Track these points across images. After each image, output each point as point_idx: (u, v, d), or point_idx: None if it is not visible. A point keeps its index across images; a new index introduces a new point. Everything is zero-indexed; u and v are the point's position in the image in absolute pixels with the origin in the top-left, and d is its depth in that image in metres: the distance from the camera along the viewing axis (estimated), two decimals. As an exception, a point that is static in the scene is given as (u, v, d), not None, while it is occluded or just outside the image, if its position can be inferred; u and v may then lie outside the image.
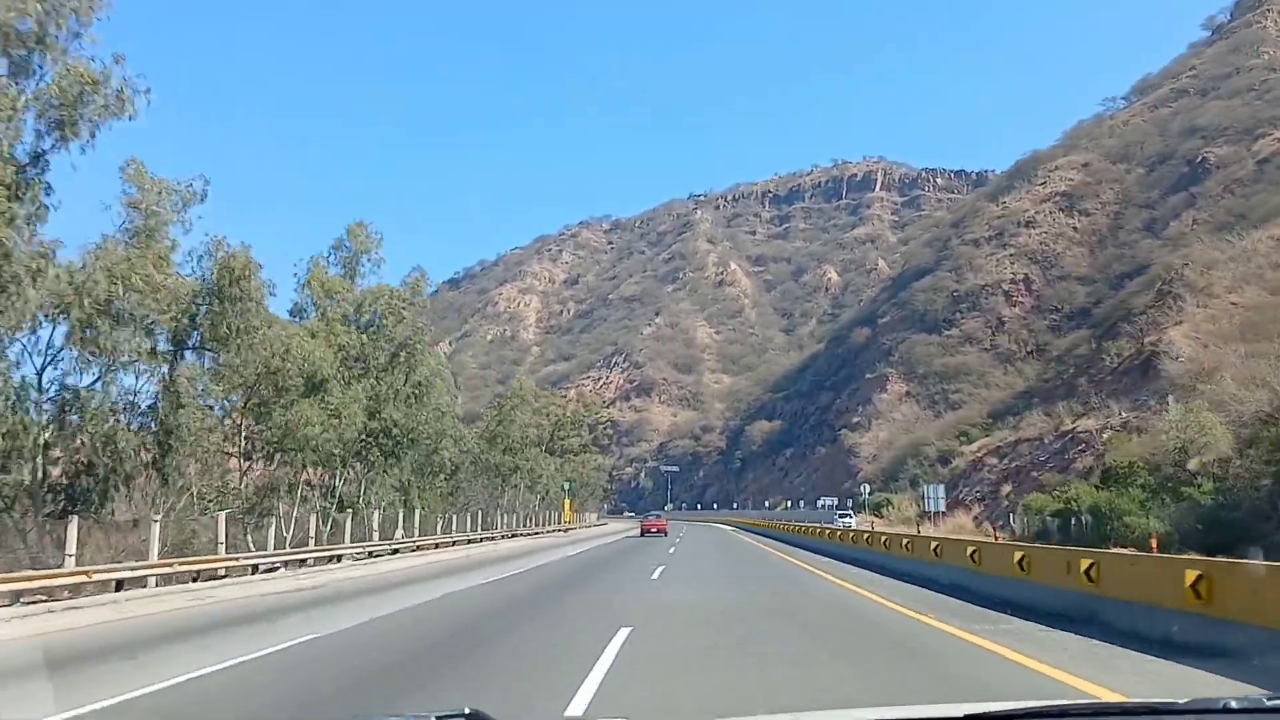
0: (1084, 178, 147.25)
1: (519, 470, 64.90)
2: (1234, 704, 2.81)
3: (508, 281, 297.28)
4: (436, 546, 38.59)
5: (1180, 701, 2.99)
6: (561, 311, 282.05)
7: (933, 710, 3.08)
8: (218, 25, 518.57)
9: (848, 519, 69.47)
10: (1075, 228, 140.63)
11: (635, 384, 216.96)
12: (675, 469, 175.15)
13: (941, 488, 63.05)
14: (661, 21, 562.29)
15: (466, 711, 2.62)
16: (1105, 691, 8.30)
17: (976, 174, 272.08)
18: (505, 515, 56.95)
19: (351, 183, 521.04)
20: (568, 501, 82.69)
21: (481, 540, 46.31)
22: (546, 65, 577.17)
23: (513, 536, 53.52)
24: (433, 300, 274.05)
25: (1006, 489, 68.85)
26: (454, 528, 44.74)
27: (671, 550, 38.05)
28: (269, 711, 8.42)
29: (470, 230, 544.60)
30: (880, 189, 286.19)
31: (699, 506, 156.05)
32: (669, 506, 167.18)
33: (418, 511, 39.47)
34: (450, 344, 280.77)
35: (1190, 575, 10.86)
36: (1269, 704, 2.85)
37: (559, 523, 77.67)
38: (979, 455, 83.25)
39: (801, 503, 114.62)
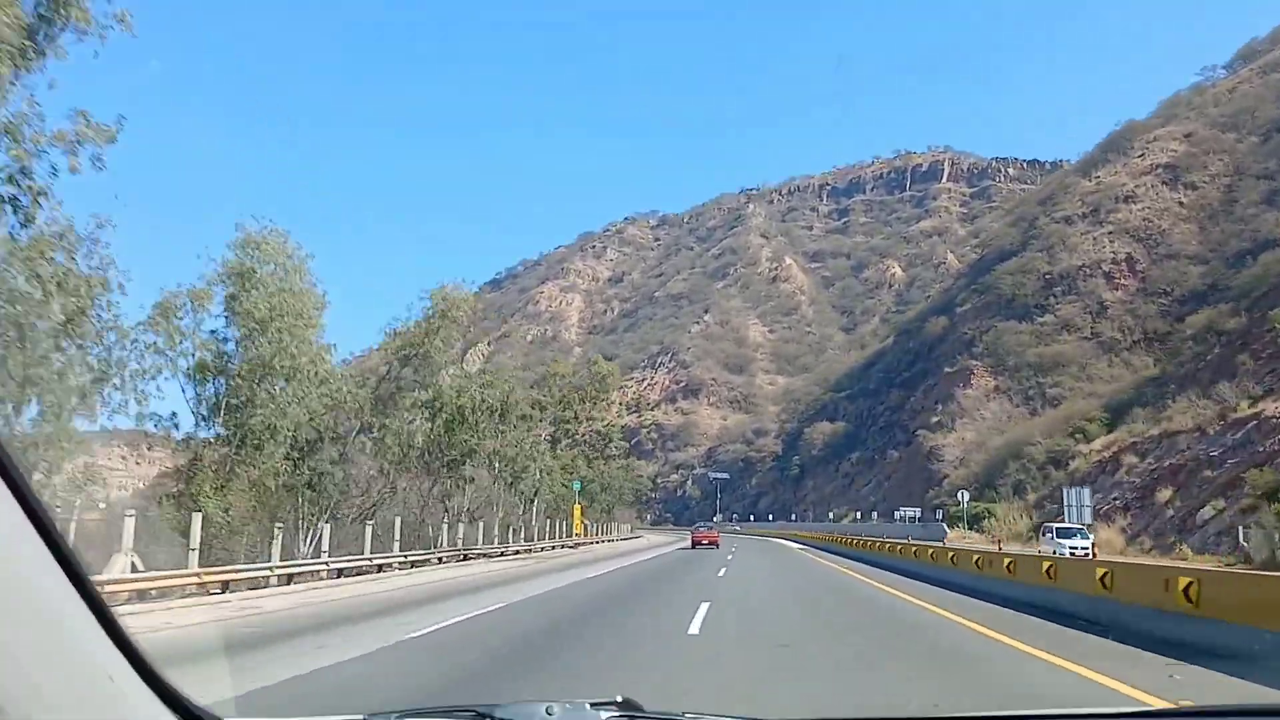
0: (1188, 149, 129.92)
1: (474, 455, 45.50)
2: None
3: (549, 280, 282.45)
4: (214, 587, 19.85)
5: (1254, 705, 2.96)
6: (605, 310, 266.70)
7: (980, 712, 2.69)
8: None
9: (1078, 542, 39.08)
10: (1181, 202, 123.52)
11: (682, 385, 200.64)
12: (725, 476, 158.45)
13: (1086, 491, 46.17)
14: (713, 10, 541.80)
15: (620, 699, 2.68)
16: None
17: (1051, 164, 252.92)
18: (460, 525, 39.20)
19: (395, 185, 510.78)
20: (578, 508, 65.60)
21: (379, 567, 28.75)
22: (591, 61, 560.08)
23: (464, 559, 36.41)
24: (475, 298, 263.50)
25: (1166, 494, 51.66)
26: (324, 543, 26.68)
27: (701, 613, 16.74)
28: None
29: (513, 231, 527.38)
30: (947, 180, 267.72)
31: (751, 518, 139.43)
32: (718, 517, 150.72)
33: (199, 517, 20.16)
34: (488, 344, 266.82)
35: None
36: None
37: (566, 535, 61.14)
38: (1110, 454, 65.90)
39: (875, 514, 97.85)
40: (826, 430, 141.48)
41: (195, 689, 2.28)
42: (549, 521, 59.23)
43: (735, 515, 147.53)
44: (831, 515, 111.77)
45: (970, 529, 68.60)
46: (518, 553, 45.37)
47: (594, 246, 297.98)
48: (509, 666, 11.40)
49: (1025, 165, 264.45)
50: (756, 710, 7.74)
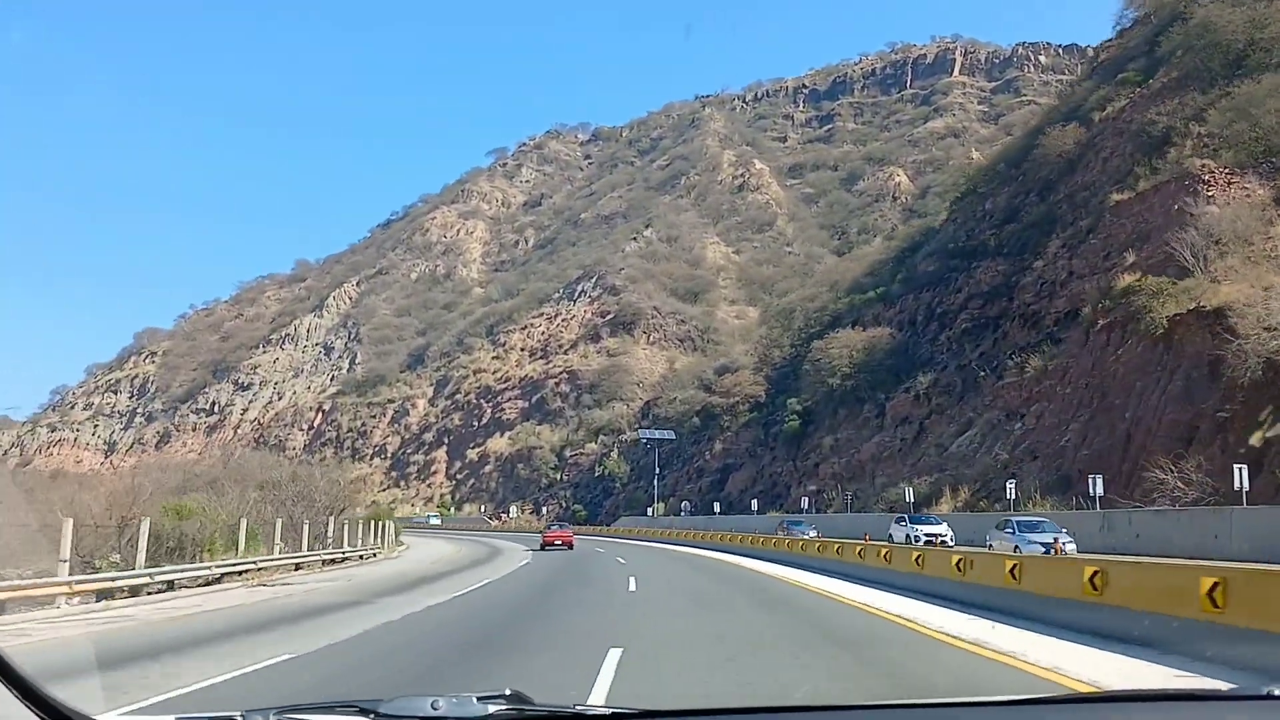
0: None
1: None
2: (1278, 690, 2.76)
3: (445, 205, 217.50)
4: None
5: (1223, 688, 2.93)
6: (517, 241, 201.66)
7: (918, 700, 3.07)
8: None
9: None
10: None
11: (610, 316, 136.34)
12: (669, 436, 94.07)
13: None
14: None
15: (507, 692, 2.69)
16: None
17: (1094, 48, 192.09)
18: None
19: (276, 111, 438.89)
20: None
21: None
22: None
23: None
24: (363, 246, 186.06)
25: None
26: None
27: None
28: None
29: (419, 166, 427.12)
30: (960, 73, 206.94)
31: (716, 507, 75.15)
32: (656, 508, 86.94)
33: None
34: (358, 284, 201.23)
35: None
36: None
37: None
38: None
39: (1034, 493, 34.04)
40: (855, 342, 76.25)
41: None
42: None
43: (689, 505, 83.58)
44: (907, 492, 47.98)
45: None
46: None
47: (505, 166, 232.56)
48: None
49: (1059, 51, 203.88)
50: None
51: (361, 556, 36.12)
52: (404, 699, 2.40)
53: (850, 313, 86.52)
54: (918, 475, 55.53)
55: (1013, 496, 38.46)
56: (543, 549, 48.22)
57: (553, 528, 58.14)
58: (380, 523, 46.95)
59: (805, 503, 62.09)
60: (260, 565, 25.31)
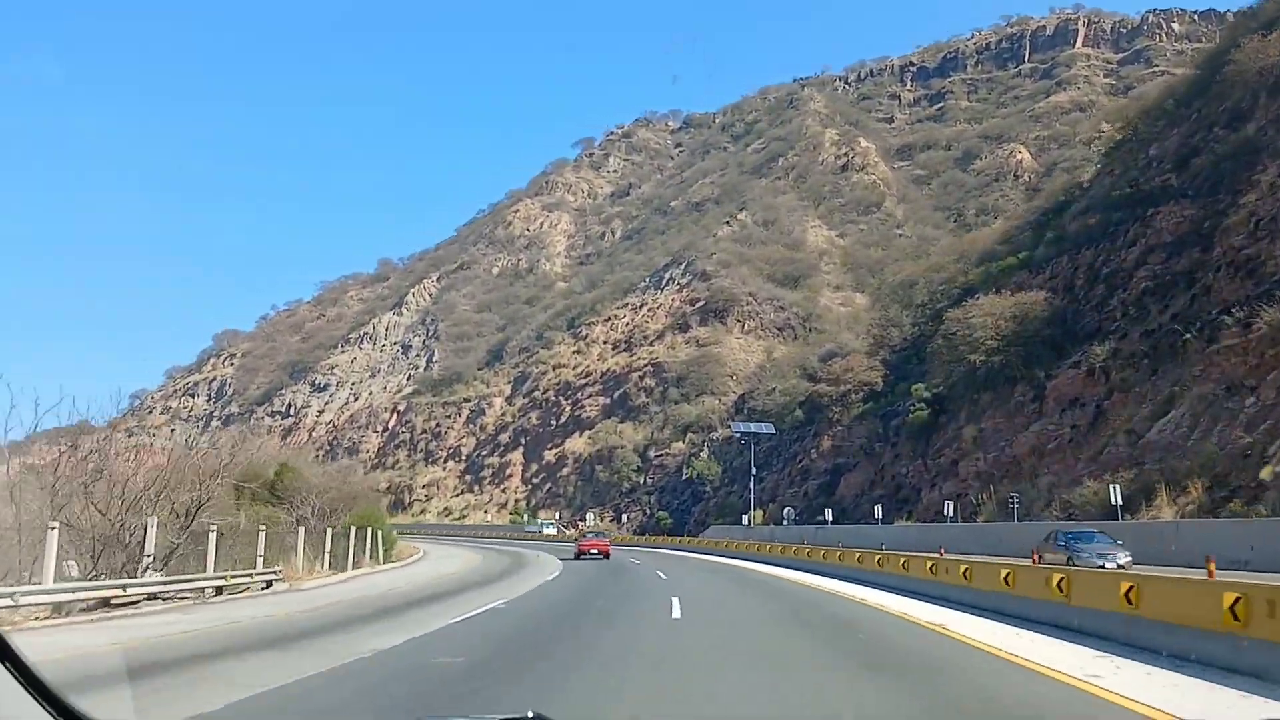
0: None
1: None
2: None
3: (528, 198, 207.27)
4: None
5: None
6: (604, 233, 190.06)
7: None
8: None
9: None
10: None
11: (700, 304, 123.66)
12: (768, 430, 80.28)
13: None
14: None
15: (530, 715, 2.67)
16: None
17: (1236, 13, 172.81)
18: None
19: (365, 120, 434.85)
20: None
21: None
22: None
23: None
24: (448, 243, 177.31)
25: None
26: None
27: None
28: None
29: (507, 162, 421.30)
30: (1083, 44, 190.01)
31: (826, 516, 61.54)
32: (753, 516, 73.76)
33: None
34: (438, 280, 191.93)
35: None
36: None
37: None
38: None
39: None
40: (1002, 310, 61.36)
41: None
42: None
43: (794, 511, 70.00)
44: (1113, 493, 34.14)
45: None
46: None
47: (591, 156, 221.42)
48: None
49: (1195, 18, 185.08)
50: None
51: (220, 589, 22.51)
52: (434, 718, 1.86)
53: (986, 283, 72.06)
54: (1103, 471, 41.57)
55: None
56: (577, 558, 49.74)
57: (588, 536, 60.20)
58: (365, 529, 35.00)
59: (948, 508, 48.34)
60: None
